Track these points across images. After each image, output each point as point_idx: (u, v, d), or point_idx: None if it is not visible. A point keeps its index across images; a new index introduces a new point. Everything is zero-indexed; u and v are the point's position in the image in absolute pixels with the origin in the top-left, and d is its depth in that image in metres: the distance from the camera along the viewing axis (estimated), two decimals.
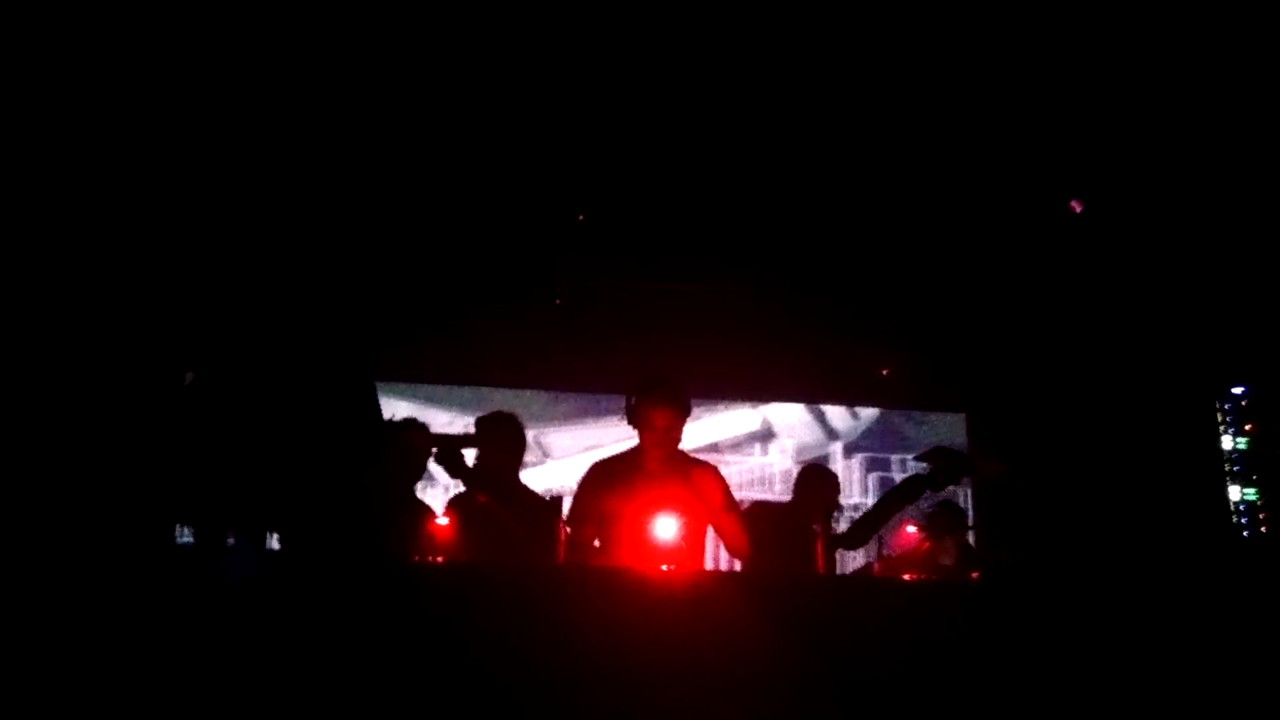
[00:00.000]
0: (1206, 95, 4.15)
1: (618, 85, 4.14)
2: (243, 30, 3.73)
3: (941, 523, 4.37)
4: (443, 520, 3.66)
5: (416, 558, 3.50)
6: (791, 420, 6.74)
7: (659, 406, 3.68)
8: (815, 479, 4.66)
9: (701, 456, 4.23)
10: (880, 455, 6.69)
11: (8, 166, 4.03)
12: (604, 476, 3.83)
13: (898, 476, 6.57)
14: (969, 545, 4.46)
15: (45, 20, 3.70)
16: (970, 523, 4.84)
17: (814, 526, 4.44)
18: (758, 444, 6.65)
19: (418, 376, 5.79)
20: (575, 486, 3.92)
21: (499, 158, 4.57)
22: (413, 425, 4.04)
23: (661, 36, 3.87)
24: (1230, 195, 4.60)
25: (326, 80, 4.02)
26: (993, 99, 4.18)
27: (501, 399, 6.04)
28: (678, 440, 3.75)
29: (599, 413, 6.29)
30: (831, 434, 6.73)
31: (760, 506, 4.76)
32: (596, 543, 3.73)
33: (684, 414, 3.74)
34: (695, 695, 2.59)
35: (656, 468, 3.74)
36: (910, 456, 6.29)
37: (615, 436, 5.36)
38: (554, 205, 4.86)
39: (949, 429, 6.38)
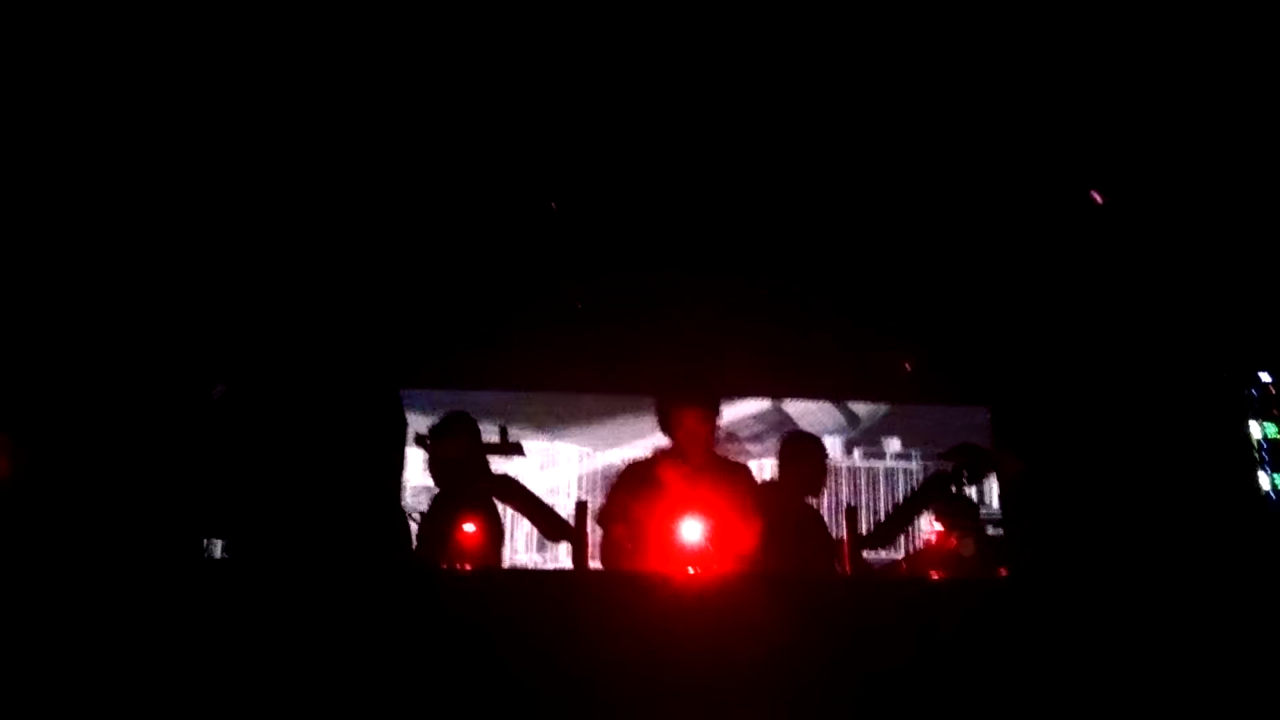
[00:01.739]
0: (1230, 84, 4.19)
1: (635, 86, 4.21)
2: (280, 51, 3.82)
3: (953, 517, 4.35)
4: (469, 528, 3.76)
5: (445, 565, 3.60)
6: (809, 404, 6.72)
7: (692, 410, 3.77)
8: (801, 450, 4.40)
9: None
10: (873, 448, 6.71)
11: (34, 183, 4.13)
12: (638, 477, 3.90)
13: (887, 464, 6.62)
14: (987, 536, 4.44)
15: (65, 30, 3.79)
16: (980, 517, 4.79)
17: (808, 500, 4.44)
18: (775, 432, 6.63)
19: (433, 383, 5.85)
20: (610, 485, 4.02)
21: (516, 162, 4.63)
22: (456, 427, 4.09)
23: (677, 35, 3.93)
24: (1252, 182, 4.64)
25: (346, 96, 4.10)
26: (1014, 91, 4.22)
27: (494, 401, 6.12)
28: (712, 441, 3.82)
29: (612, 413, 6.36)
30: (852, 419, 6.76)
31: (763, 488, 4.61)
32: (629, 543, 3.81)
33: (716, 414, 3.82)
34: (723, 698, 2.67)
35: (691, 469, 3.81)
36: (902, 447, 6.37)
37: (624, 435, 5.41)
38: (571, 206, 4.92)
39: (969, 418, 6.40)
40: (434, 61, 4.06)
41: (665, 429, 3.84)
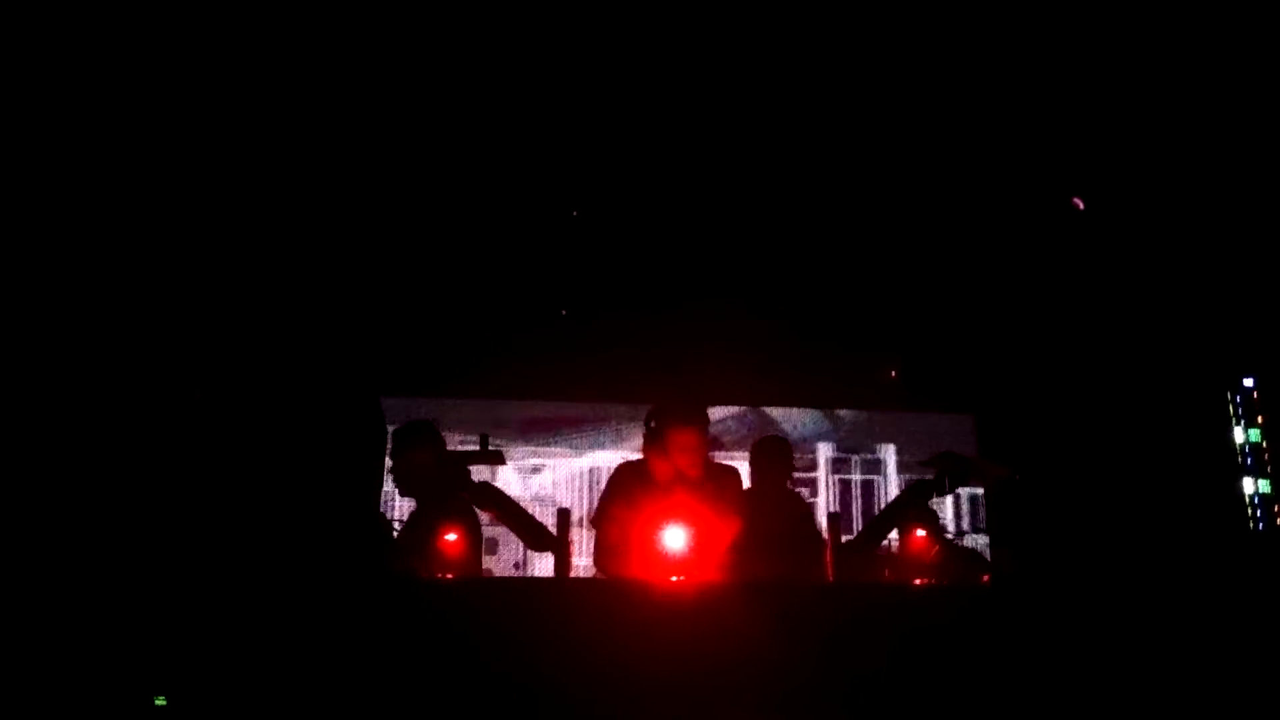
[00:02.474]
0: (1210, 90, 4.25)
1: (625, 96, 4.24)
2: (273, 58, 3.84)
3: (934, 524, 4.39)
4: (451, 537, 3.76)
5: (426, 574, 3.61)
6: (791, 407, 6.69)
7: (688, 430, 3.79)
8: (766, 446, 4.54)
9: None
10: (843, 456, 6.67)
11: (22, 186, 4.13)
12: (631, 479, 3.93)
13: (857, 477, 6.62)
14: (946, 538, 4.47)
15: (56, 30, 3.79)
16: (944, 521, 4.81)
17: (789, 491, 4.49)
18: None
19: (419, 390, 5.84)
20: (605, 487, 4.03)
21: (505, 170, 4.66)
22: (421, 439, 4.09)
23: (667, 50, 3.98)
24: (1233, 189, 4.70)
25: (332, 107, 4.12)
26: (997, 102, 4.27)
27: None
28: (706, 455, 3.86)
29: (596, 420, 6.36)
30: (835, 421, 6.75)
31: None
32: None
33: (707, 429, 3.85)
34: (707, 705, 2.69)
35: (682, 476, 3.83)
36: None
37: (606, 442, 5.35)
38: (559, 216, 4.95)
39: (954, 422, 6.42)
40: (423, 72, 4.09)
41: (658, 447, 3.84)
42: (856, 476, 6.58)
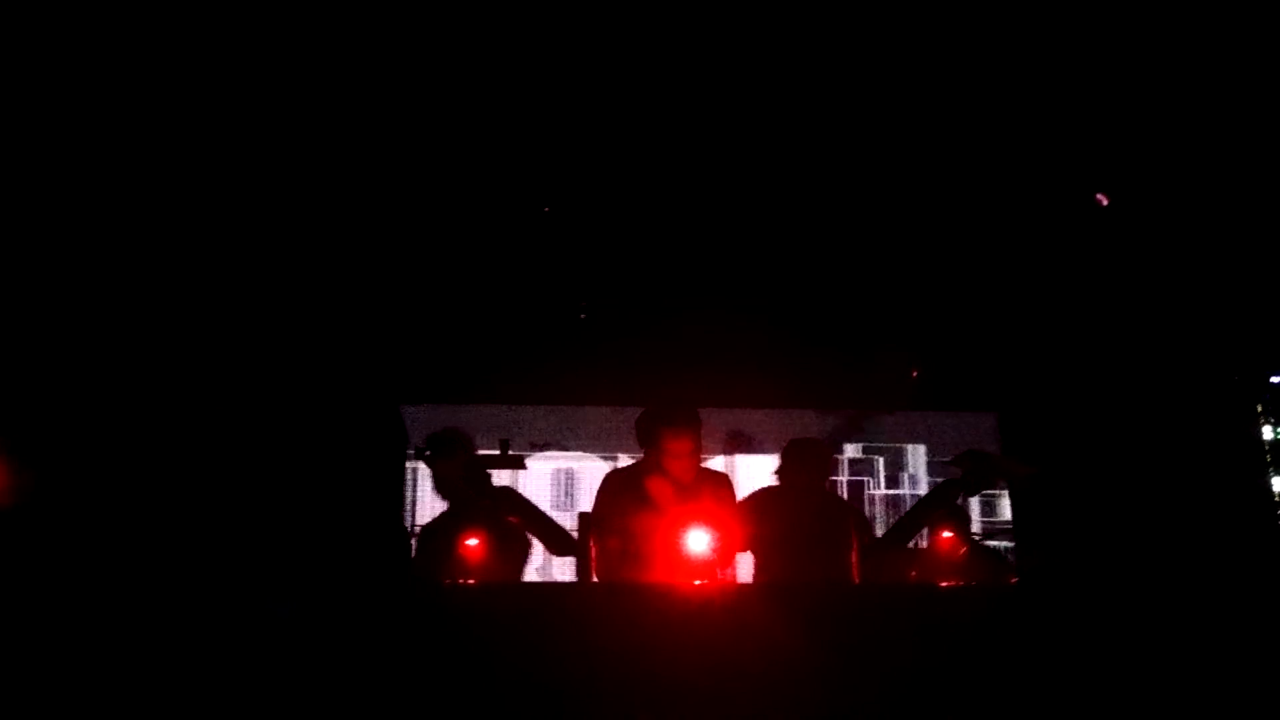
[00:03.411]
0: (1238, 84, 4.23)
1: (637, 97, 4.26)
2: (281, 68, 3.87)
3: (961, 524, 4.37)
4: (472, 542, 3.77)
5: (448, 580, 3.62)
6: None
7: (682, 434, 3.80)
8: (805, 452, 4.52)
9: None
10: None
11: (42, 201, 4.18)
12: (624, 489, 3.94)
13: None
14: (972, 538, 4.45)
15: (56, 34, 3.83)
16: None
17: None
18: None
19: (440, 397, 5.86)
20: (595, 497, 4.03)
21: (519, 177, 4.67)
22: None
23: (677, 51, 3.98)
24: (1260, 184, 4.67)
25: (351, 114, 4.15)
26: (1016, 96, 4.27)
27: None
28: (698, 459, 3.87)
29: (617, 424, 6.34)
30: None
31: (765, 494, 4.53)
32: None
33: (699, 433, 3.86)
34: (734, 708, 2.70)
35: (678, 481, 3.85)
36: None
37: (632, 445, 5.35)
38: (575, 219, 4.96)
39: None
40: (434, 75, 4.12)
41: (650, 448, 3.87)
42: (844, 478, 6.56)
